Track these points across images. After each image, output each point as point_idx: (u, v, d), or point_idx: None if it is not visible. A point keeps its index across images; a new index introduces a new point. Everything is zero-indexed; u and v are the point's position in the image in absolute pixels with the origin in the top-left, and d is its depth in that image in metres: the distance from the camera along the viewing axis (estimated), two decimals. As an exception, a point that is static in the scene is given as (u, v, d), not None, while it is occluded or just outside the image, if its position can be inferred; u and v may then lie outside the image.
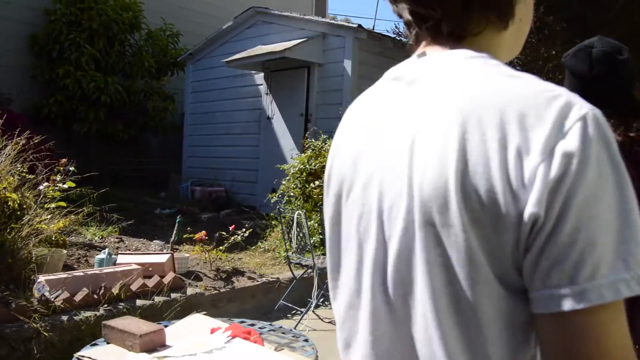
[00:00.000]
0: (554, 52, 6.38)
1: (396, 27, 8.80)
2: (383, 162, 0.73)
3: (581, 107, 0.60)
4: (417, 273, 0.66)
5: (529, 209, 0.58)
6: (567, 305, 0.56)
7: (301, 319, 4.79)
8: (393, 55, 8.24)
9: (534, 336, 0.64)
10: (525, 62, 7.10)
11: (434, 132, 0.66)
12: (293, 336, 2.51)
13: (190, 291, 4.58)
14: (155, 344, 2.07)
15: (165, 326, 2.32)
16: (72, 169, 4.65)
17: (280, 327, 2.68)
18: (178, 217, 5.70)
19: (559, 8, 6.04)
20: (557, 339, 0.59)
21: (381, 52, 8.11)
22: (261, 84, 8.96)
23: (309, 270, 5.08)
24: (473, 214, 0.60)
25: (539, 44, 6.29)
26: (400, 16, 0.80)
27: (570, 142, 0.57)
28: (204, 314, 2.78)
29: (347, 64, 7.72)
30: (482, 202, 0.60)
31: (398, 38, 7.97)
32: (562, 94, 0.62)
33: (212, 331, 2.21)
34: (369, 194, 0.74)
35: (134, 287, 4.18)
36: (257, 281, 5.22)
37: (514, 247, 0.60)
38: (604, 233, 0.57)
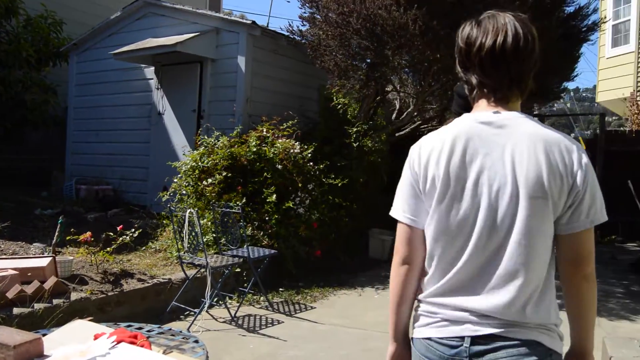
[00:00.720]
0: (438, 55, 6.72)
1: (290, 25, 8.87)
2: (487, 165, 1.40)
3: (580, 144, 1.40)
4: (519, 219, 1.36)
5: (576, 187, 1.36)
6: (584, 227, 1.38)
7: (194, 319, 4.71)
8: (287, 53, 8.32)
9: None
10: (412, 63, 7.42)
11: (527, 151, 1.37)
12: (183, 338, 2.47)
13: (74, 296, 4.36)
14: (32, 355, 1.94)
15: (44, 335, 2.19)
16: None
17: (170, 329, 2.62)
18: (61, 217, 5.39)
19: (443, 14, 6.37)
20: (574, 243, 1.40)
21: (275, 50, 8.14)
22: (152, 78, 8.67)
23: (202, 270, 5.01)
24: (551, 191, 1.35)
25: (424, 47, 6.59)
26: (467, 82, 1.50)
27: (584, 160, 1.38)
28: (90, 320, 2.65)
29: (241, 61, 7.66)
30: (555, 185, 1.35)
31: (292, 36, 8.03)
32: (573, 139, 1.41)
33: (96, 337, 2.12)
34: (481, 184, 1.40)
35: (10, 295, 3.90)
36: (148, 283, 5.06)
37: (564, 204, 1.37)
38: (596, 198, 1.39)
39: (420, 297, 1.53)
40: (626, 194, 9.92)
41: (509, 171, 1.37)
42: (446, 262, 1.45)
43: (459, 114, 1.54)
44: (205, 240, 5.44)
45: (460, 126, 1.46)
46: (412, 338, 1.56)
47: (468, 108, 1.56)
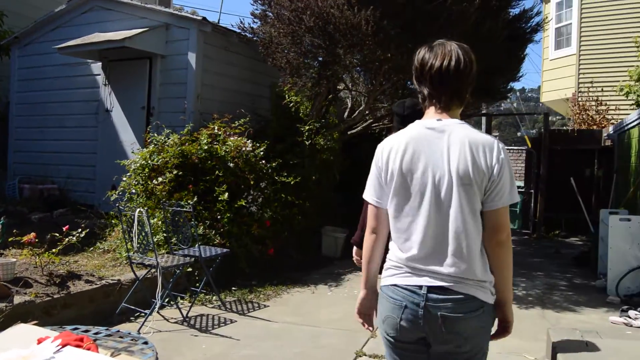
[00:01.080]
0: (389, 55, 6.80)
1: (241, 22, 8.77)
2: (431, 161, 1.84)
3: (500, 143, 1.87)
4: (454, 200, 1.81)
5: (493, 177, 1.81)
6: (498, 206, 1.83)
7: (145, 321, 4.61)
8: (238, 51, 8.25)
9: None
10: (363, 62, 7.49)
11: (458, 150, 1.82)
12: (131, 339, 2.41)
13: (18, 299, 4.20)
14: (-29, 361, 1.86)
15: (-16, 340, 2.10)
16: None
17: (118, 331, 2.56)
18: (2, 218, 5.18)
19: (393, 15, 6.45)
20: (491, 217, 1.85)
21: (227, 47, 8.06)
22: (99, 74, 8.44)
23: (153, 270, 4.91)
24: (476, 180, 1.80)
25: (375, 46, 6.65)
26: (420, 92, 1.96)
27: (502, 155, 1.83)
28: (34, 324, 2.56)
29: (192, 57, 7.55)
30: (479, 175, 1.80)
31: (243, 33, 7.96)
32: (495, 139, 1.89)
33: (40, 341, 2.05)
34: (427, 175, 1.84)
35: (-53, 299, 3.72)
36: (96, 284, 4.92)
37: (485, 189, 1.82)
38: (511, 185, 1.85)
39: (388, 257, 1.97)
40: (569, 191, 10.31)
41: (446, 165, 1.82)
42: (404, 234, 1.90)
43: (398, 129, 2.02)
44: (155, 239, 5.34)
45: (412, 131, 1.93)
46: (381, 286, 1.98)
47: (404, 123, 2.08)
